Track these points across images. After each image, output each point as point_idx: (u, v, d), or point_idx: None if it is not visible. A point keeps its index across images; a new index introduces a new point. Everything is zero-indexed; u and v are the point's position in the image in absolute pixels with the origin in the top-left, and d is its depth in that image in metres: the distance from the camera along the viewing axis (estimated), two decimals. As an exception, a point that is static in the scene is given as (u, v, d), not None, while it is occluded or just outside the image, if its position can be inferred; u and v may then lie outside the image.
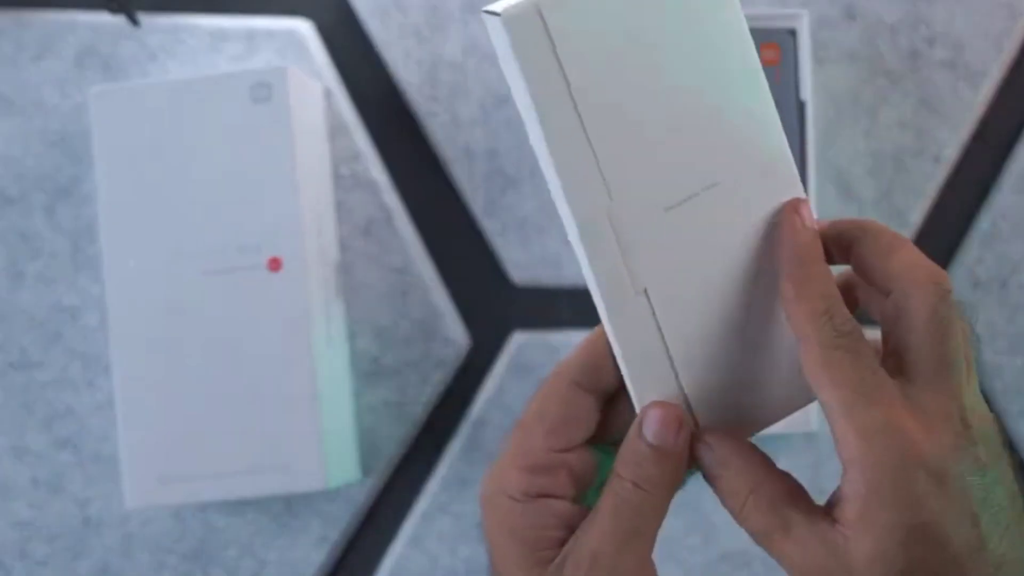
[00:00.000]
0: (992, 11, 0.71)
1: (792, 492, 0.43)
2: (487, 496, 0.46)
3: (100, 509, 0.72)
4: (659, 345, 0.44)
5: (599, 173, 0.43)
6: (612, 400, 0.47)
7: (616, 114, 0.42)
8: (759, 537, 0.43)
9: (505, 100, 0.71)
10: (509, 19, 0.41)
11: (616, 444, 0.46)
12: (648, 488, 0.44)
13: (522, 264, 0.72)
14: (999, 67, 0.71)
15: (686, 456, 0.44)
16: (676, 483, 0.45)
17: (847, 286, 0.47)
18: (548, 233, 0.71)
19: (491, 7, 0.41)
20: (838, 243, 0.44)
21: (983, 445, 0.41)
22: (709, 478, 0.44)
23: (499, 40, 0.41)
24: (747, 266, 0.44)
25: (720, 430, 0.44)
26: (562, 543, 0.45)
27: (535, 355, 0.71)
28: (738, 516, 0.43)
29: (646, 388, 0.44)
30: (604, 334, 0.45)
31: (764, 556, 0.72)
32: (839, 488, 0.41)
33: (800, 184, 0.45)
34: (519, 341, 0.72)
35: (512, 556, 0.45)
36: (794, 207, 0.44)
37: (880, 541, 0.40)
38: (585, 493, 0.46)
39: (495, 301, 0.72)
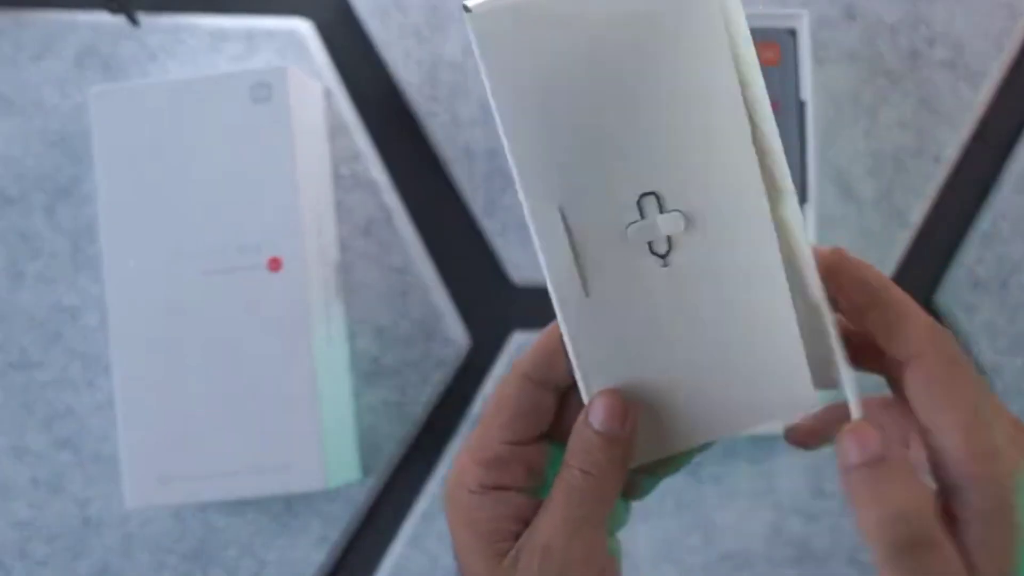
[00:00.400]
0: (992, 11, 0.71)
1: (937, 537, 0.42)
2: (448, 490, 0.47)
3: (100, 509, 0.72)
4: (609, 336, 0.45)
5: (556, 172, 0.44)
6: (568, 397, 0.47)
7: (579, 117, 0.44)
8: (895, 549, 0.42)
9: (505, 100, 0.72)
10: (477, 16, 0.43)
11: None
12: (596, 474, 0.44)
13: (522, 264, 0.72)
14: (999, 67, 0.71)
15: (633, 443, 0.45)
16: (624, 470, 0.45)
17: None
18: (548, 233, 0.71)
19: (468, 2, 0.43)
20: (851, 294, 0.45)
21: None
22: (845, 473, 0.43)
23: (471, 35, 0.43)
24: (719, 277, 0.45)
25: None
26: (518, 536, 0.46)
27: (535, 355, 0.71)
28: (885, 516, 0.42)
29: (593, 378, 0.45)
30: (557, 330, 0.46)
31: (765, 556, 0.72)
32: (951, 505, 0.42)
33: (767, 208, 0.45)
34: (519, 341, 0.72)
35: (471, 548, 0.46)
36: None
37: (1003, 558, 0.40)
38: (542, 487, 0.47)
39: (495, 301, 0.72)
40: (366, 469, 0.71)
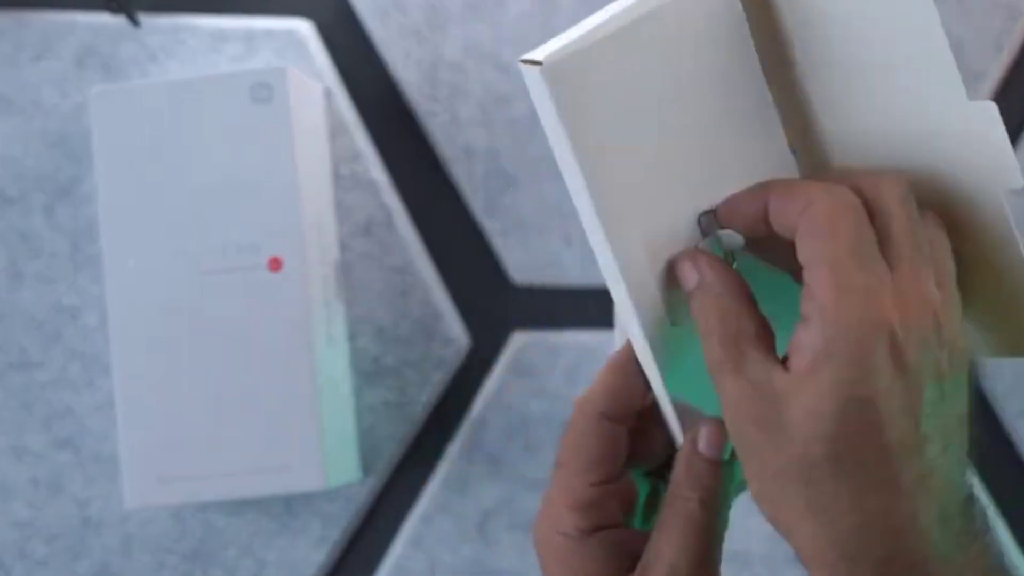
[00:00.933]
0: (992, 11, 0.71)
1: (760, 335, 0.42)
2: (542, 538, 0.47)
3: (100, 509, 0.72)
4: (693, 362, 0.46)
5: (635, 207, 0.44)
6: (634, 426, 0.47)
7: (644, 148, 0.44)
8: (711, 367, 0.43)
9: (505, 100, 0.71)
10: (550, 68, 0.42)
11: (643, 465, 0.47)
12: (710, 500, 0.45)
13: (522, 264, 0.72)
14: (999, 67, 0.71)
15: (735, 469, 0.46)
16: (732, 496, 0.46)
17: None
18: (548, 233, 0.71)
19: (530, 56, 0.42)
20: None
21: (948, 354, 0.41)
22: (688, 294, 0.44)
23: (537, 91, 0.42)
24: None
25: (715, 257, 0.44)
26: (625, 570, 0.46)
27: (535, 355, 0.71)
28: (701, 339, 0.43)
29: (687, 407, 0.46)
30: (622, 363, 0.46)
31: (764, 556, 0.72)
32: (795, 337, 0.41)
33: None
34: (519, 341, 0.72)
35: None
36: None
37: (821, 400, 0.39)
38: (632, 516, 0.47)
39: (495, 301, 0.72)
40: (366, 469, 0.71)
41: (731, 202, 0.44)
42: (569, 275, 0.72)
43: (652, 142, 0.44)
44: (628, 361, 0.46)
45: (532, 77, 0.42)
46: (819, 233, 0.41)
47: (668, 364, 0.45)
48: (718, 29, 0.45)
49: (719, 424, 0.45)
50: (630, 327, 0.45)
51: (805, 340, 0.40)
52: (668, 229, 0.45)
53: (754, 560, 0.71)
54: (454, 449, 0.71)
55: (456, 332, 0.72)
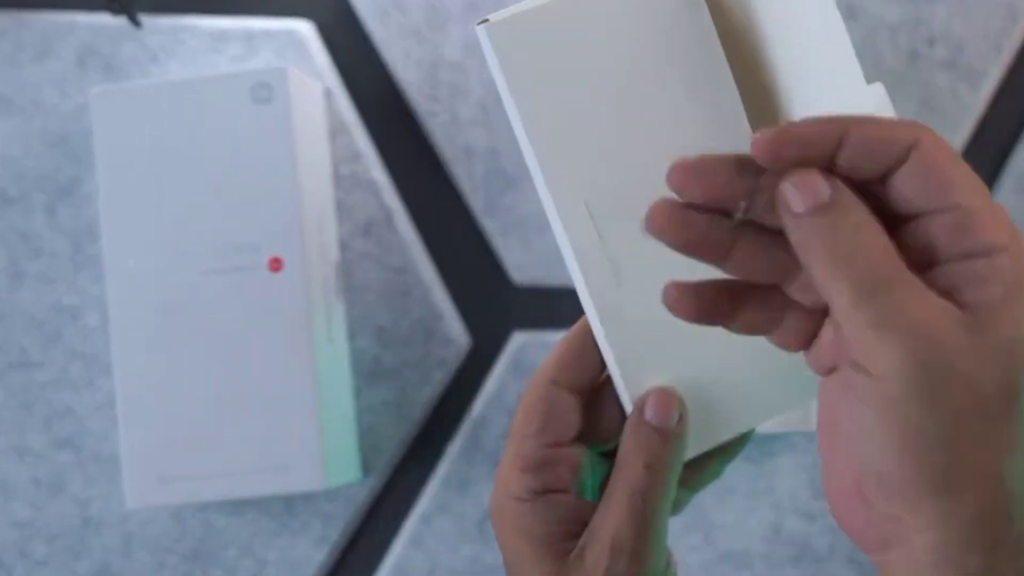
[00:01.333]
0: (992, 11, 0.71)
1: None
2: (495, 504, 0.47)
3: (100, 509, 0.72)
4: (644, 329, 0.46)
5: (580, 168, 0.45)
6: (590, 402, 0.47)
7: (596, 112, 0.45)
8: (866, 285, 0.37)
9: (505, 100, 0.72)
10: (495, 26, 0.45)
11: (600, 445, 0.47)
12: (658, 468, 0.45)
13: (522, 264, 0.72)
14: (999, 67, 0.71)
15: (684, 438, 0.46)
16: (680, 464, 0.46)
17: None
18: (548, 233, 0.71)
19: (483, 19, 0.45)
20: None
21: None
22: (812, 209, 0.37)
23: (485, 48, 0.45)
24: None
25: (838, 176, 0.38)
26: (574, 536, 0.46)
27: (535, 355, 0.71)
28: (832, 261, 0.37)
29: (633, 375, 0.46)
30: (577, 334, 0.47)
31: (764, 556, 0.72)
32: (971, 270, 0.37)
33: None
34: (519, 341, 0.72)
35: (528, 556, 0.46)
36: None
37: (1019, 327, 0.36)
38: (583, 489, 0.47)
39: (495, 301, 0.72)
40: (366, 469, 0.71)
41: (788, 132, 0.38)
42: (569, 275, 0.71)
43: (601, 108, 0.45)
44: (581, 332, 0.47)
45: (481, 36, 0.45)
46: (950, 174, 0.37)
47: (618, 329, 0.46)
48: (676, 5, 0.46)
49: (666, 392, 0.45)
50: (579, 291, 0.46)
51: (991, 273, 0.37)
52: (618, 193, 0.45)
53: (754, 560, 0.71)
54: (454, 449, 0.71)
55: (456, 332, 0.72)
